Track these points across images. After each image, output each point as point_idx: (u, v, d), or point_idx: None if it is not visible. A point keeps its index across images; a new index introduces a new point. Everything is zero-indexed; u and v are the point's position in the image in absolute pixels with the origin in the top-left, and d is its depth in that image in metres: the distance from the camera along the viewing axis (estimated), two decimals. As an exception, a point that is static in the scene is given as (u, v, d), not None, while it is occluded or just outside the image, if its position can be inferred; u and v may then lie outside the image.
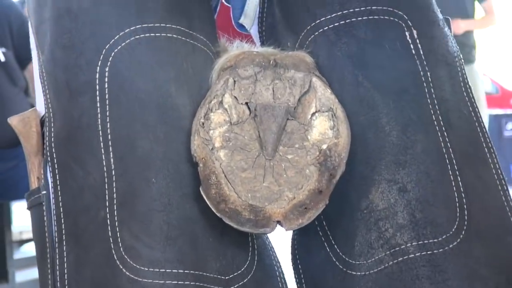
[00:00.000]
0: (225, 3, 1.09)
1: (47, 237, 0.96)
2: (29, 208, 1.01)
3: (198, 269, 0.91)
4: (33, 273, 4.15)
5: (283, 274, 0.99)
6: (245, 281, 0.94)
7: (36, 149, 1.01)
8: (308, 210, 0.93)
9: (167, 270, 0.90)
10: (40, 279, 1.00)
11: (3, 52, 3.72)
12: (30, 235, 4.61)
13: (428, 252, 0.94)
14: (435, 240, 0.94)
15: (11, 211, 4.01)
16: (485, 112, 5.81)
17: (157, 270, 0.90)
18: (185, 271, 0.91)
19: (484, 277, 0.94)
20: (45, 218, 0.97)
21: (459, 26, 5.61)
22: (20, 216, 4.63)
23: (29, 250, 4.65)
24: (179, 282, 0.90)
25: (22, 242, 4.62)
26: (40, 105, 1.03)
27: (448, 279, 0.93)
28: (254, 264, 0.96)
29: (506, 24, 6.11)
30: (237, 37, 1.03)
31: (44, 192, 0.98)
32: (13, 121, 1.02)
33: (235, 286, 0.93)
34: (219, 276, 0.93)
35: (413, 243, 0.94)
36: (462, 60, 1.04)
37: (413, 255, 0.94)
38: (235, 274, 0.94)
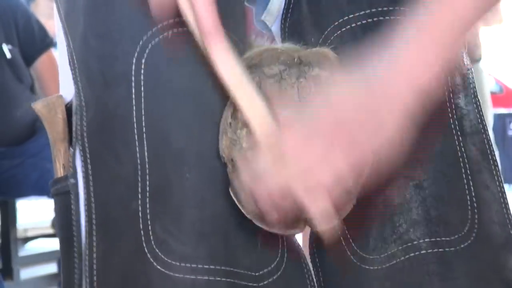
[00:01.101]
0: (246, 4, 1.08)
1: (74, 227, 0.95)
2: (53, 195, 1.01)
3: (229, 265, 0.92)
4: (38, 270, 4.16)
5: (311, 272, 1.00)
6: (274, 277, 0.95)
7: (62, 136, 1.00)
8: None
9: (199, 266, 0.90)
10: (64, 270, 0.99)
11: (9, 49, 3.72)
12: (34, 232, 4.63)
13: (440, 250, 0.96)
14: (447, 239, 0.96)
15: (16, 208, 4.01)
16: (490, 112, 5.81)
17: (189, 265, 0.90)
18: (216, 267, 0.91)
19: (490, 281, 0.97)
20: (72, 207, 0.96)
21: None
22: (25, 214, 4.63)
23: (34, 247, 4.65)
24: (210, 278, 0.91)
25: (27, 239, 4.62)
26: (65, 92, 1.03)
27: (458, 278, 0.95)
28: (283, 261, 0.96)
29: (510, 23, 6.09)
30: (259, 37, 1.04)
31: (73, 180, 0.97)
32: (37, 105, 1.01)
33: (265, 283, 0.94)
34: (249, 272, 0.93)
35: (426, 240, 0.96)
36: (473, 74, 1.06)
37: (424, 251, 0.96)
38: (265, 270, 0.94)
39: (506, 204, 1.01)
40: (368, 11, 1.00)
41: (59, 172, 1.00)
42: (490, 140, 1.03)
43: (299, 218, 0.92)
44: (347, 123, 0.88)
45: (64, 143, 1.00)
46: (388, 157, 0.90)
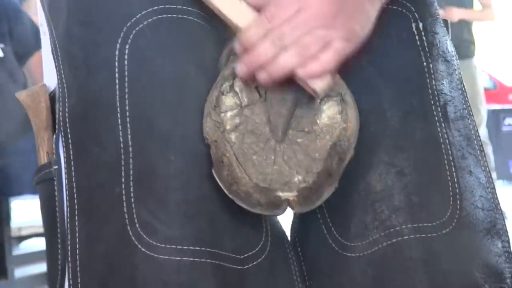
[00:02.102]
0: None
1: (57, 212, 0.96)
2: (37, 183, 1.01)
3: (214, 247, 0.93)
4: (32, 269, 4.15)
5: (294, 256, 1.01)
6: (259, 260, 0.96)
7: (46, 124, 1.02)
8: (318, 193, 0.94)
9: (184, 247, 0.91)
10: (48, 256, 1.01)
11: (2, 47, 3.72)
12: (29, 231, 4.63)
13: (422, 235, 0.96)
14: (429, 224, 0.97)
15: (10, 207, 4.01)
16: (484, 107, 5.82)
17: (174, 247, 0.91)
18: (202, 249, 0.92)
19: (472, 266, 0.97)
20: (55, 193, 0.97)
21: (453, 13, 5.61)
22: (19, 213, 4.63)
23: (28, 246, 4.64)
24: (196, 259, 0.91)
25: (21, 238, 4.60)
26: (48, 81, 1.03)
27: (441, 263, 0.96)
28: (268, 244, 0.97)
29: (504, 19, 6.10)
30: None
31: (56, 167, 0.98)
32: (21, 95, 1.02)
33: (250, 265, 0.95)
34: (234, 255, 0.94)
35: (408, 225, 0.97)
36: (458, 61, 1.07)
37: (407, 237, 0.96)
38: (249, 253, 0.95)
39: (492, 188, 1.01)
40: None
41: (43, 159, 1.01)
42: (475, 125, 1.04)
43: (280, 199, 0.93)
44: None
45: (48, 131, 1.01)
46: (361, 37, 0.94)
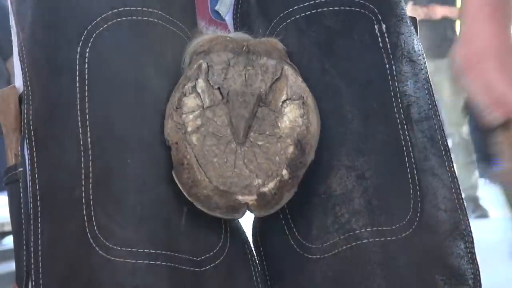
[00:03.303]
0: None
1: (22, 214, 0.97)
2: (6, 184, 1.02)
3: (170, 249, 0.93)
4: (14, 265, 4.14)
5: (254, 257, 1.01)
6: (217, 262, 0.96)
7: (14, 126, 1.03)
8: (278, 197, 0.95)
9: (139, 250, 0.92)
10: (15, 256, 1.01)
11: (-16, 43, 3.71)
12: (11, 227, 4.61)
13: (382, 239, 0.96)
14: (389, 228, 0.97)
15: (-9, 203, 3.99)
16: (467, 106, 5.84)
17: (129, 249, 0.92)
18: (157, 251, 0.92)
19: (432, 269, 0.97)
20: (21, 195, 0.98)
21: (435, 11, 5.61)
22: (1, 208, 4.61)
23: (11, 242, 4.61)
24: (151, 262, 0.92)
25: (3, 234, 4.59)
26: (19, 82, 1.04)
27: (399, 267, 0.96)
28: (226, 246, 0.98)
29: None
30: (212, 25, 1.05)
31: (21, 169, 0.99)
32: None
33: (207, 267, 0.95)
34: (191, 257, 0.94)
35: (368, 229, 0.97)
36: (426, 59, 1.07)
37: (366, 241, 0.96)
38: (207, 255, 0.96)
39: (457, 189, 1.01)
40: (312, 2, 1.01)
41: (11, 161, 1.02)
42: (441, 125, 1.03)
43: (239, 202, 0.94)
44: None
45: (16, 133, 1.02)
46: None
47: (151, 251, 0.92)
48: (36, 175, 0.96)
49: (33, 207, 0.95)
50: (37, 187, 0.95)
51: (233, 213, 0.94)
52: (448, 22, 5.65)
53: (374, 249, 0.96)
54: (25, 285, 0.97)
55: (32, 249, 0.94)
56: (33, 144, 0.96)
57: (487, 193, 6.55)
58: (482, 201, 5.86)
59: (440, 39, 5.62)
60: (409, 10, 5.65)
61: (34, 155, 0.96)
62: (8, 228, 4.54)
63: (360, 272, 0.96)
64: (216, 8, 1.07)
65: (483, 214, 5.72)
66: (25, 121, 0.97)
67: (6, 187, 1.02)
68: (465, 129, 5.76)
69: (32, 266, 0.94)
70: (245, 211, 0.95)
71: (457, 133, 5.77)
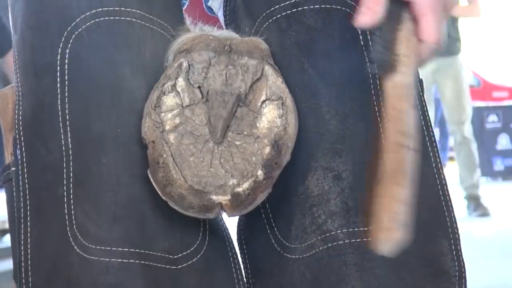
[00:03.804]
0: None
1: (15, 213, 0.98)
2: (3, 183, 1.04)
3: (144, 248, 0.94)
4: (15, 262, 4.14)
5: (236, 255, 1.01)
6: (194, 260, 0.96)
7: (11, 126, 1.05)
8: (252, 198, 0.95)
9: (113, 248, 0.93)
10: (13, 253, 1.02)
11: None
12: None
13: (358, 240, 0.96)
14: (365, 229, 0.96)
15: (-7, 201, 3.98)
16: (469, 105, 5.82)
17: (103, 248, 0.93)
18: (130, 250, 0.93)
19: (412, 268, 0.96)
20: (14, 194, 0.99)
21: None
22: (2, 206, 4.62)
23: (12, 240, 4.61)
24: (124, 260, 0.93)
25: (4, 231, 4.60)
26: None
27: (375, 268, 0.95)
28: (204, 244, 0.98)
29: (488, 17, 6.10)
30: (205, 20, 1.04)
31: (14, 168, 1.00)
32: None
33: (184, 265, 0.96)
34: (167, 255, 0.95)
35: (343, 230, 0.96)
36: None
37: (342, 242, 0.96)
38: (183, 253, 0.96)
39: (443, 185, 1.00)
40: (293, 0, 1.00)
41: (8, 160, 1.04)
42: (428, 123, 1.02)
43: (213, 202, 0.94)
44: None
45: (12, 133, 1.04)
46: None
47: (125, 249, 0.93)
48: (26, 175, 0.97)
49: (23, 206, 0.97)
50: (26, 187, 0.97)
51: (206, 213, 0.94)
52: (450, 21, 5.64)
53: (350, 250, 0.96)
54: (19, 282, 0.98)
55: (22, 247, 0.95)
56: (23, 144, 0.98)
57: (489, 192, 6.56)
58: (483, 200, 5.86)
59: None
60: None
61: (24, 155, 0.98)
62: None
63: (335, 273, 0.96)
64: (209, 4, 1.08)
65: (485, 213, 5.72)
66: (16, 121, 0.99)
67: (4, 186, 1.04)
68: (467, 128, 5.75)
69: (23, 264, 0.95)
70: (219, 211, 0.95)
71: (458, 132, 5.76)
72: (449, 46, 5.60)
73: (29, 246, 0.95)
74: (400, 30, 0.89)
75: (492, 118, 8.56)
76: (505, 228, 5.16)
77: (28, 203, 0.96)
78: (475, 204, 5.78)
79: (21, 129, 0.98)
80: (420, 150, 0.98)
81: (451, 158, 8.74)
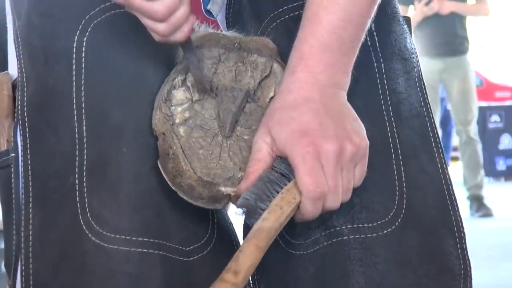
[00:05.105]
0: None
1: (13, 199, 0.98)
2: None
3: (162, 238, 0.95)
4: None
5: None
6: (204, 253, 0.98)
7: (7, 112, 1.03)
8: None
9: (133, 238, 0.93)
10: (5, 242, 1.02)
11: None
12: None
13: (362, 236, 0.97)
14: (369, 225, 0.97)
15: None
16: (476, 105, 5.81)
17: (123, 237, 0.93)
18: (150, 240, 0.94)
19: (414, 265, 0.97)
20: (12, 180, 0.99)
21: (443, 5, 5.56)
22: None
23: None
24: (144, 250, 0.94)
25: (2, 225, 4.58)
26: (12, 69, 1.05)
27: (379, 263, 0.96)
28: (213, 237, 0.99)
29: (491, 16, 6.08)
30: (204, 22, 1.05)
31: (13, 154, 1.00)
32: None
33: (195, 257, 0.97)
34: (180, 247, 0.96)
35: (348, 226, 0.97)
36: (418, 58, 1.07)
37: (346, 237, 0.97)
38: (195, 245, 0.97)
39: (449, 185, 1.01)
40: (301, 2, 1.01)
41: (3, 146, 1.03)
42: (433, 122, 1.03)
43: (222, 193, 0.96)
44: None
45: (9, 119, 1.03)
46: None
47: (145, 239, 0.94)
48: (29, 161, 0.97)
49: (25, 193, 0.96)
50: (29, 173, 0.96)
51: (215, 203, 0.95)
52: (458, 19, 5.62)
53: (354, 246, 0.97)
54: (13, 271, 0.98)
55: (22, 233, 0.95)
56: (27, 130, 0.97)
57: (491, 192, 6.56)
58: (487, 201, 5.86)
59: (451, 37, 5.60)
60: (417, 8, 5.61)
61: (28, 141, 0.97)
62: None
63: (339, 269, 0.96)
64: (208, 7, 1.08)
65: (487, 213, 5.72)
66: (19, 107, 0.98)
67: None
68: (473, 128, 5.74)
69: (22, 251, 0.95)
70: (227, 202, 0.96)
71: (464, 132, 5.75)
72: (457, 45, 5.58)
73: (30, 233, 0.95)
74: (284, 185, 0.91)
75: (495, 118, 8.56)
76: (507, 228, 5.16)
77: (30, 189, 0.96)
78: (478, 204, 5.77)
79: (25, 115, 0.98)
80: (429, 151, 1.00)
81: (454, 158, 8.76)
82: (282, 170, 0.91)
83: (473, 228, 4.94)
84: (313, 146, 0.89)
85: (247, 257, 0.87)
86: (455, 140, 7.21)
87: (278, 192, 0.90)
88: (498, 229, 5.11)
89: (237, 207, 0.91)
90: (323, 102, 0.92)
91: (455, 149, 7.20)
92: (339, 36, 0.93)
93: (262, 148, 0.92)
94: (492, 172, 8.65)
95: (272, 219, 0.89)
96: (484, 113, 8.37)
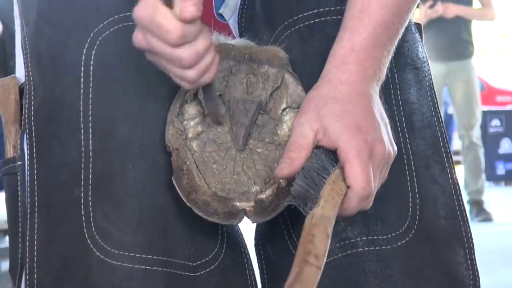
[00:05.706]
0: None
1: (19, 207, 0.98)
2: (3, 175, 1.02)
3: (166, 255, 0.94)
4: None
5: (250, 261, 1.02)
6: (212, 268, 0.97)
7: (14, 118, 1.03)
8: (275, 204, 0.95)
9: (137, 255, 0.93)
10: (11, 248, 1.02)
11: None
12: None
13: (376, 248, 0.97)
14: (384, 237, 0.97)
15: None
16: (479, 109, 5.79)
17: (127, 254, 0.93)
18: (154, 257, 0.94)
19: (428, 276, 0.97)
20: (19, 188, 0.98)
21: (448, 8, 5.53)
22: (3, 206, 4.61)
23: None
24: (147, 267, 0.93)
25: (5, 232, 4.60)
26: (20, 73, 1.04)
27: (393, 275, 0.96)
28: (222, 251, 0.98)
29: (494, 21, 6.07)
30: (216, 27, 1.04)
31: (20, 163, 0.99)
32: None
33: (202, 272, 0.96)
34: (187, 263, 0.95)
35: (363, 238, 0.97)
36: (430, 66, 1.07)
37: (361, 249, 0.97)
38: (202, 260, 0.97)
39: (458, 196, 1.01)
40: (316, 10, 1.01)
41: (9, 153, 1.02)
42: (444, 132, 1.03)
43: (237, 209, 0.95)
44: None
45: (16, 125, 1.02)
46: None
47: (148, 256, 0.93)
48: (35, 171, 0.96)
49: (30, 201, 0.96)
50: (35, 183, 0.96)
51: (231, 219, 0.95)
52: (463, 24, 5.59)
53: (369, 258, 0.97)
54: (19, 277, 0.98)
55: (27, 242, 0.95)
56: (33, 140, 0.97)
57: (491, 196, 6.55)
58: (487, 205, 5.85)
59: (456, 41, 5.58)
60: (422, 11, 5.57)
61: (34, 151, 0.97)
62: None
63: (354, 280, 0.97)
64: (220, 11, 1.07)
65: (487, 218, 5.71)
66: (26, 115, 0.98)
67: (3, 178, 1.02)
68: (476, 133, 5.73)
69: (27, 260, 0.94)
70: (243, 217, 0.95)
71: (467, 137, 5.74)
72: (462, 49, 5.56)
73: (35, 243, 0.94)
74: (326, 174, 0.90)
75: (495, 122, 8.54)
76: (507, 233, 5.15)
77: (36, 199, 0.95)
78: (478, 209, 5.76)
79: (32, 124, 0.97)
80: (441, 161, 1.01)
81: (454, 162, 8.73)
82: (322, 160, 0.90)
83: (473, 232, 4.93)
84: (368, 144, 0.89)
85: (321, 242, 0.85)
86: (455, 144, 7.19)
87: (323, 182, 0.89)
88: (498, 234, 5.10)
89: (293, 195, 0.90)
90: (373, 99, 0.92)
91: (456, 153, 7.19)
92: (388, 30, 0.94)
93: (308, 135, 0.91)
94: (492, 177, 8.62)
95: (329, 208, 0.87)
96: (484, 117, 8.35)
